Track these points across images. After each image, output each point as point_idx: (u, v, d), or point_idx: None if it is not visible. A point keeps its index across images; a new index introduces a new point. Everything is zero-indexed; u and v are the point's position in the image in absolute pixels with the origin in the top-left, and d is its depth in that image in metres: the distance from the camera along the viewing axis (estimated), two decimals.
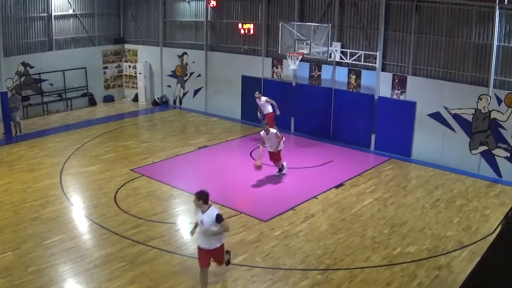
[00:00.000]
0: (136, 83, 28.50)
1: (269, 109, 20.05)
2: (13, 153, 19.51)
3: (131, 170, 17.26)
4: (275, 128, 16.88)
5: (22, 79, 24.91)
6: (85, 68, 27.28)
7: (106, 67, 28.57)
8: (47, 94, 25.95)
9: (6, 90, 22.15)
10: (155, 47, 27.38)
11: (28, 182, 16.32)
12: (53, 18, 25.91)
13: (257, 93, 20.47)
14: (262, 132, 16.48)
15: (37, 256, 11.51)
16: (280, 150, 16.53)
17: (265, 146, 16.58)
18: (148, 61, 27.81)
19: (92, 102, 27.63)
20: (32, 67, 25.18)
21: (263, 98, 20.18)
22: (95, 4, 27.57)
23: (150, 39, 27.71)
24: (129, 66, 28.87)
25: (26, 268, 10.98)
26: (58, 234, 12.62)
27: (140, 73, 27.98)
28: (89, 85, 27.60)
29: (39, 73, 25.39)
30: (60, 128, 23.22)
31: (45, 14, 25.72)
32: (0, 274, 10.73)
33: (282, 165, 16.68)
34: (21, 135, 21.80)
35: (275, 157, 16.66)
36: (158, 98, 27.45)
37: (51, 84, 26.01)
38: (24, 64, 24.92)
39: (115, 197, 14.96)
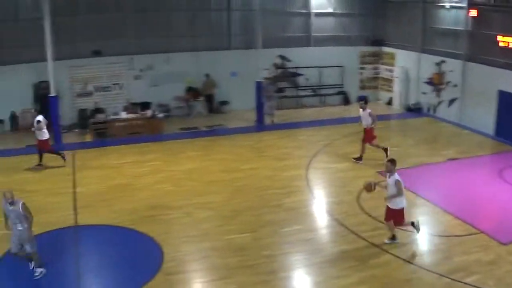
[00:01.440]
0: (392, 87, 28.21)
1: (370, 122, 18.50)
2: (263, 141, 20.90)
3: (377, 172, 16.98)
4: (374, 144, 18.30)
5: (279, 71, 26.47)
6: (342, 67, 27.85)
7: (363, 68, 28.82)
8: (302, 88, 27.19)
9: (262, 80, 23.77)
10: (413, 52, 26.62)
11: (275, 170, 17.25)
12: (312, 15, 27.03)
13: (361, 102, 19.01)
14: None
15: (273, 242, 12.03)
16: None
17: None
18: (405, 65, 27.22)
19: (346, 101, 28.12)
20: (289, 61, 26.65)
21: (368, 110, 18.60)
22: (354, 4, 27.97)
23: (408, 43, 27.04)
24: (386, 69, 28.67)
25: (261, 251, 11.53)
26: (296, 224, 13.03)
27: (396, 77, 27.62)
28: (345, 84, 28.17)
29: (296, 67, 26.73)
30: (312, 122, 24.16)
31: (305, 11, 26.97)
32: (235, 253, 11.50)
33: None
34: (274, 125, 23.23)
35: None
36: (412, 104, 26.72)
37: (307, 79, 27.17)
38: (282, 57, 26.50)
39: (358, 197, 14.90)
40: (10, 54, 23.66)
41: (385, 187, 11.98)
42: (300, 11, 27.01)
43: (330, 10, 27.48)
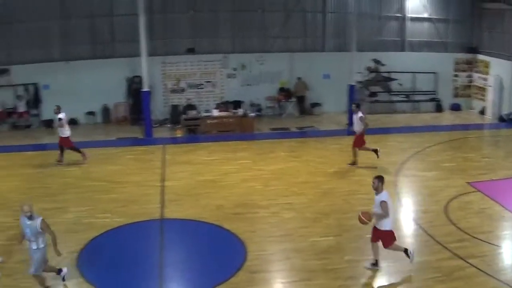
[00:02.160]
0: (485, 96, 27.51)
1: (361, 126, 18.47)
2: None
3: (467, 183, 16.82)
4: (364, 148, 18.52)
5: (372, 75, 26.59)
6: (436, 73, 27.59)
7: (457, 75, 28.39)
8: (395, 93, 27.17)
9: (355, 83, 23.98)
10: (508, 61, 25.92)
11: (363, 175, 17.36)
12: (407, 19, 27.02)
13: (353, 106, 19.10)
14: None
15: (356, 247, 12.24)
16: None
17: None
18: (499, 74, 26.50)
19: (439, 108, 27.82)
20: (383, 65, 26.72)
21: (359, 114, 18.48)
22: (450, 10, 27.65)
23: (503, 52, 26.33)
24: (480, 77, 28.01)
25: (343, 256, 11.80)
26: None
27: (490, 86, 26.95)
28: (438, 91, 27.89)
29: (389, 72, 26.74)
30: (403, 128, 24.23)
31: (400, 15, 26.99)
32: (317, 256, 11.83)
33: None
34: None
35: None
36: (505, 114, 26.01)
37: (400, 84, 27.15)
38: (375, 61, 26.63)
39: (446, 207, 14.81)
40: (105, 48, 25.26)
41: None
42: (395, 15, 27.06)
43: (425, 15, 27.32)
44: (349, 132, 22.58)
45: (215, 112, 23.81)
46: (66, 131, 19.41)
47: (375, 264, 11.40)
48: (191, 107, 24.68)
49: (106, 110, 25.81)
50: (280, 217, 14.23)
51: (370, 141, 21.42)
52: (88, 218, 14.48)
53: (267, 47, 26.12)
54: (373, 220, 11.16)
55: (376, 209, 11.05)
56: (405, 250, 11.39)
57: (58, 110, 19.89)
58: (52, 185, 17.54)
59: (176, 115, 25.10)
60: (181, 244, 12.89)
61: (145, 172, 18.39)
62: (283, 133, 20.61)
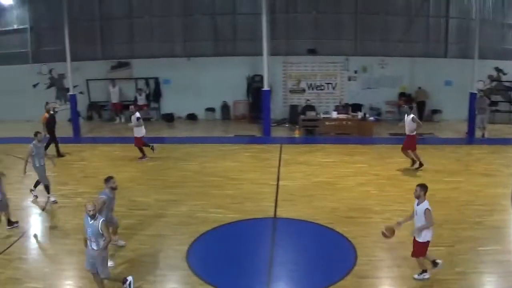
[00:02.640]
0: None
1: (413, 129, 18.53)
2: (471, 154, 20.75)
3: None
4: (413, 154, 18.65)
5: (493, 84, 25.87)
6: None
7: None
8: None
9: (476, 91, 23.40)
10: None
11: (480, 185, 17.04)
12: None
13: (406, 107, 19.60)
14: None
15: (468, 259, 12.04)
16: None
17: None
18: None
19: None
20: (505, 74, 25.95)
21: (411, 115, 18.53)
22: None
23: None
24: None
25: (454, 267, 11.64)
26: (495, 243, 12.84)
27: None
28: None
29: (511, 81, 25.79)
30: None
31: None
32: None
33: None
34: (484, 139, 22.85)
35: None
36: None
37: None
38: (497, 70, 25.91)
39: None
40: (227, 46, 26.34)
41: (411, 217, 11.27)
42: None
43: None
44: (468, 140, 22.25)
45: (334, 114, 24.05)
46: (142, 131, 20.52)
47: (425, 271, 11.24)
48: (310, 108, 25.06)
49: (225, 107, 26.89)
50: (393, 224, 14.18)
51: (491, 150, 20.99)
52: (201, 212, 15.20)
53: (389, 51, 26.01)
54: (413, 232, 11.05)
55: (419, 220, 10.89)
56: (433, 262, 11.29)
57: (135, 109, 21.23)
58: (170, 177, 18.59)
59: (294, 115, 25.62)
60: (292, 244, 13.14)
61: (261, 170, 18.99)
62: (401, 139, 20.48)
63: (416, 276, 11.34)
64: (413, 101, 25.98)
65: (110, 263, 12.41)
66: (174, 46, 27.10)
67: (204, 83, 26.42)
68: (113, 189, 12.66)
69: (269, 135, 23.42)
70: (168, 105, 27.04)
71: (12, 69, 29.19)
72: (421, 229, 10.85)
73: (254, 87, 25.42)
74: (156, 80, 27.20)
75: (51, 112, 22.20)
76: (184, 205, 15.87)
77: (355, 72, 25.92)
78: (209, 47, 26.87)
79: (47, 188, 16.94)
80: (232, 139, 23.37)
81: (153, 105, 27.66)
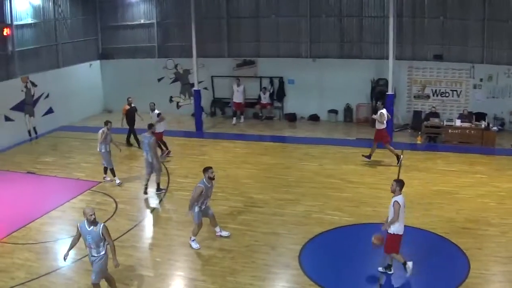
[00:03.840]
0: None
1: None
2: None
3: None
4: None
5: None
6: None
7: None
8: None
9: None
10: None
11: None
12: None
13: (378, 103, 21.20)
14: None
15: None
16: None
17: None
18: None
19: None
20: None
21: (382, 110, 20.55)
22: None
23: None
24: None
25: None
26: None
27: None
28: None
29: None
30: None
31: None
32: None
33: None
34: None
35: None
36: None
37: None
38: None
39: None
40: (352, 48, 26.95)
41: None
42: None
43: None
44: None
45: (458, 122, 24.06)
46: (163, 126, 22.24)
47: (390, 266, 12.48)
48: (434, 114, 25.14)
49: (348, 110, 27.50)
50: (509, 238, 14.31)
51: None
52: (317, 213, 16.09)
53: None
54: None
55: (389, 212, 12.10)
56: (404, 263, 12.19)
57: (154, 106, 22.80)
58: (288, 177, 19.59)
59: (417, 121, 25.74)
60: (405, 251, 13.23)
61: (379, 175, 19.53)
62: None
63: (379, 268, 12.56)
64: None
65: (196, 245, 14.10)
66: (300, 47, 28.05)
67: (328, 84, 27.16)
68: (210, 179, 13.94)
69: (391, 140, 23.20)
70: (291, 105, 28.10)
71: (138, 63, 31.66)
72: (390, 223, 12.01)
73: (378, 91, 25.77)
74: (281, 80, 28.24)
75: (132, 105, 24.43)
76: (301, 205, 16.76)
77: (481, 80, 25.65)
78: (335, 49, 27.56)
79: (112, 171, 19.51)
80: (353, 142, 23.93)
81: (276, 104, 28.75)
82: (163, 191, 18.74)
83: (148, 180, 18.46)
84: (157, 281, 12.81)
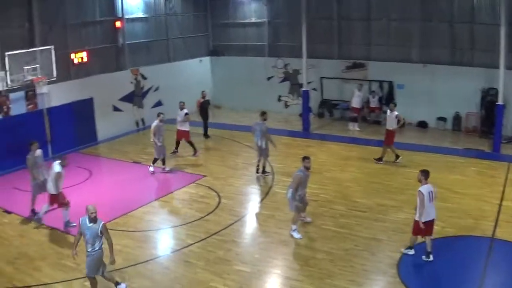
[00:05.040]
0: None
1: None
2: None
3: None
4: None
5: None
6: None
7: None
8: None
9: None
10: None
11: None
12: None
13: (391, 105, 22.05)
14: None
15: None
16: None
17: None
18: None
19: None
20: None
21: (395, 112, 21.48)
22: None
23: None
24: None
25: None
26: None
27: None
28: None
29: None
30: None
31: None
32: None
33: None
34: None
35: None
36: None
37: None
38: None
39: None
40: (463, 56, 26.44)
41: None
42: None
43: None
44: None
45: None
46: (188, 125, 23.27)
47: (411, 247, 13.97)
48: None
49: (457, 118, 27.06)
50: None
51: None
52: None
53: None
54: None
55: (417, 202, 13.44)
56: (410, 247, 13.97)
57: (183, 105, 23.75)
58: (392, 183, 19.74)
59: None
60: (507, 268, 13.35)
61: (485, 187, 19.13)
62: None
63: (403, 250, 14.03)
64: None
65: (297, 235, 14.91)
66: (410, 51, 27.86)
67: (438, 91, 26.84)
68: (306, 168, 14.95)
69: (499, 151, 23.27)
70: (399, 110, 27.09)
71: (248, 60, 32.89)
72: (419, 212, 13.38)
73: (488, 100, 25.27)
74: (390, 84, 28.20)
75: (206, 98, 26.27)
76: (403, 212, 16.81)
77: None
78: (446, 55, 27.15)
79: (163, 161, 21.51)
80: (460, 152, 23.61)
81: (385, 108, 28.49)
82: (268, 173, 20.58)
83: (259, 161, 20.41)
84: (253, 277, 13.41)
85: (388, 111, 22.04)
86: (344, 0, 29.35)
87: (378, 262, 13.87)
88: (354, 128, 27.94)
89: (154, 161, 21.56)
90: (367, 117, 28.81)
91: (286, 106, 32.16)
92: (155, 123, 21.24)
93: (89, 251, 11.61)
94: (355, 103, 27.90)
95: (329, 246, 14.76)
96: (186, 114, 23.48)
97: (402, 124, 22.47)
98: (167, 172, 21.51)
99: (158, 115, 21.41)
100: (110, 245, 11.75)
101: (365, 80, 28.94)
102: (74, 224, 15.66)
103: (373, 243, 14.95)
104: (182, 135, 23.83)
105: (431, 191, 13.52)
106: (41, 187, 17.07)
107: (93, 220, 11.41)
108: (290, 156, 22.90)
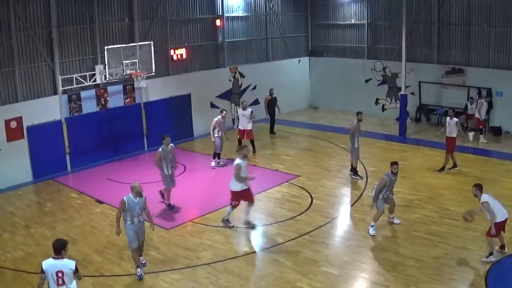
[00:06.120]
0: None
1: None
2: None
3: None
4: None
5: None
6: None
7: None
8: None
9: None
10: None
11: None
12: None
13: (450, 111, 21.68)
14: None
15: None
16: None
17: None
18: None
19: None
20: None
21: (455, 119, 21.40)
22: None
23: None
24: None
25: None
26: None
27: None
28: None
29: None
30: None
31: None
32: None
33: None
34: None
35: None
36: None
37: None
38: None
39: None
40: None
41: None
42: None
43: None
44: None
45: None
46: (251, 125, 23.78)
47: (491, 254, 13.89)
48: None
49: None
50: None
51: None
52: (511, 234, 15.25)
53: None
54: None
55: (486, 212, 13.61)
56: (502, 246, 14.07)
57: (246, 104, 24.49)
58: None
59: None
60: None
61: None
62: None
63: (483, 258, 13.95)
64: None
65: (372, 232, 15.59)
66: (511, 58, 27.15)
67: None
68: (393, 173, 15.44)
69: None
70: (497, 118, 27.16)
71: (346, 62, 33.10)
72: (491, 221, 13.66)
73: None
74: (489, 91, 27.44)
75: (273, 96, 27.28)
76: None
77: None
78: None
79: (218, 155, 22.82)
80: None
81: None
82: (360, 177, 20.81)
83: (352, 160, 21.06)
84: (340, 280, 13.61)
85: (448, 118, 21.70)
86: (444, 5, 28.98)
87: (467, 272, 13.71)
88: (482, 141, 26.43)
89: (215, 155, 22.62)
90: (464, 124, 27.97)
91: (383, 109, 32.15)
92: (216, 118, 22.39)
93: (141, 222, 13.37)
94: (483, 114, 26.41)
95: (418, 253, 14.71)
96: (252, 112, 24.16)
97: (464, 130, 22.40)
98: (222, 166, 22.73)
99: (221, 111, 22.71)
100: (149, 213, 13.65)
101: (464, 86, 28.49)
102: (232, 225, 16.82)
103: (463, 252, 14.73)
104: (247, 135, 24.32)
105: (490, 195, 13.99)
106: (171, 180, 18.27)
107: (140, 194, 13.05)
108: (385, 161, 22.38)
